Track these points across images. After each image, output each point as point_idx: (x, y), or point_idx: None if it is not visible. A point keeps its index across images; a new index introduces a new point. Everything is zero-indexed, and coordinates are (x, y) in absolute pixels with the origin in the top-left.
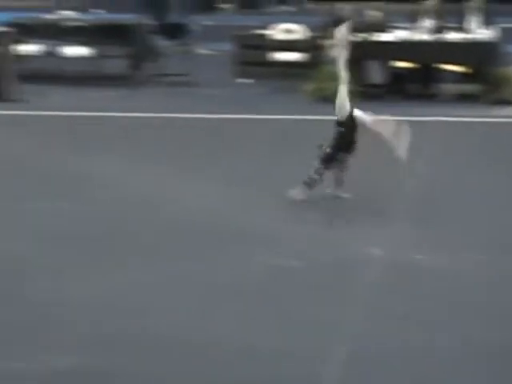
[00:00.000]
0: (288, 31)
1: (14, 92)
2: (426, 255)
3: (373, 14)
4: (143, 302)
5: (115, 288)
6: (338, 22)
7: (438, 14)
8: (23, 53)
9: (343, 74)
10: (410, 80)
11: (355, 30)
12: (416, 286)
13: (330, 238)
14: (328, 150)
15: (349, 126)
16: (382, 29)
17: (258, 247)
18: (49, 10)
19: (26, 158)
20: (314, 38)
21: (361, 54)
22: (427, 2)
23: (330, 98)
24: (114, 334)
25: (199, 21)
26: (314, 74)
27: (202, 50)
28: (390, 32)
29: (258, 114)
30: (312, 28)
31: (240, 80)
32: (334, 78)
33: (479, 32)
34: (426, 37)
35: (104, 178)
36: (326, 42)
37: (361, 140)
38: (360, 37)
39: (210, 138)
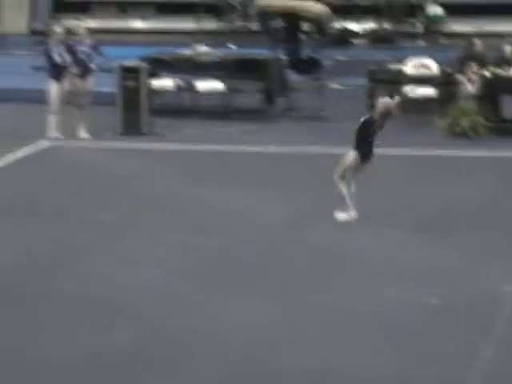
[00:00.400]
0: (421, 66)
1: (149, 126)
2: None
3: (508, 48)
4: (284, 335)
5: (252, 321)
6: (470, 56)
7: None
8: (158, 87)
9: None
10: None
11: (489, 64)
12: None
13: (463, 274)
14: None
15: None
16: None
17: (391, 282)
18: (187, 45)
19: (165, 190)
20: (447, 73)
21: (495, 89)
22: None
23: (464, 134)
24: (257, 368)
25: (332, 55)
26: (448, 110)
27: (335, 85)
28: None
29: (392, 147)
30: (445, 63)
31: None
32: (468, 114)
33: None
34: None
35: (241, 211)
36: (460, 77)
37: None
38: (494, 72)
39: None
